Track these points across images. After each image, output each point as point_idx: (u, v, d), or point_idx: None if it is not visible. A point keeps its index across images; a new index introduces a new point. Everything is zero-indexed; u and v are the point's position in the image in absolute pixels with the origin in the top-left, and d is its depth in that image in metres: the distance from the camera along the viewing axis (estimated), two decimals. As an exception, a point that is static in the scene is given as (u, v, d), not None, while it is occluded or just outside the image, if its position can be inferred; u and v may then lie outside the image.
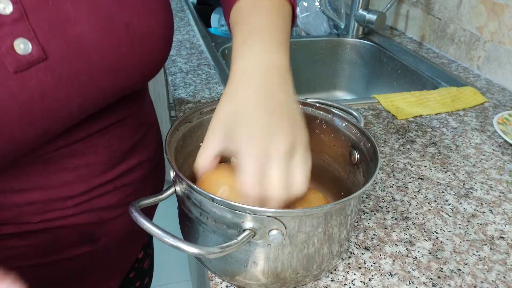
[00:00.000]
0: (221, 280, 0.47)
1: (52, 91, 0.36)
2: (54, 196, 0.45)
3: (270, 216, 0.37)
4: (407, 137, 0.75)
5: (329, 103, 0.54)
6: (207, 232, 0.42)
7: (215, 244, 0.36)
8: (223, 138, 0.39)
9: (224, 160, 0.44)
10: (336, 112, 0.52)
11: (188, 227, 0.46)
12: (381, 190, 0.62)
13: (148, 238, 0.71)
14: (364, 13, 1.18)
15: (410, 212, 0.58)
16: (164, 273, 1.75)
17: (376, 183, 0.63)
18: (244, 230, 0.38)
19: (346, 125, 0.51)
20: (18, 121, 0.35)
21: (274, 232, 0.38)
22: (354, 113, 0.54)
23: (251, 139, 0.37)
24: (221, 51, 1.10)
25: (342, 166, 0.53)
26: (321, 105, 0.53)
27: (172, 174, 0.43)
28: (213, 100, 0.82)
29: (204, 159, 0.41)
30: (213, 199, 0.38)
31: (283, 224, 0.38)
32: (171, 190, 0.42)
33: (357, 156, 0.50)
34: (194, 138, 0.52)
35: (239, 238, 0.37)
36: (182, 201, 0.44)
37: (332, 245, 0.44)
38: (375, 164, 0.45)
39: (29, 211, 0.44)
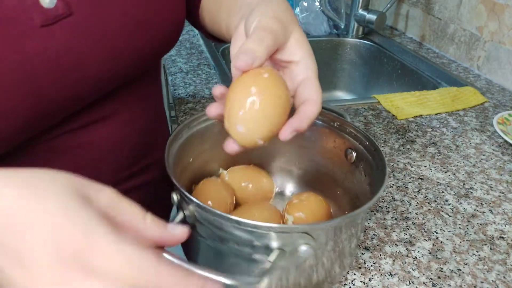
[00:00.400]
0: (221, 280, 0.47)
1: (77, 47, 0.37)
2: None
3: (299, 232, 0.35)
4: (407, 137, 0.75)
5: None
6: (229, 256, 0.39)
7: (240, 269, 0.34)
8: (281, 31, 0.36)
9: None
10: (326, 112, 0.52)
11: (200, 252, 0.43)
12: (381, 190, 0.62)
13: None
14: (364, 13, 1.18)
15: (410, 212, 0.58)
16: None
17: (376, 183, 0.63)
18: (273, 250, 0.36)
19: (338, 124, 0.51)
20: (47, 76, 0.36)
21: (303, 247, 0.36)
22: (336, 110, 0.53)
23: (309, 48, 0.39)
24: (221, 51, 1.10)
25: (337, 166, 0.53)
26: None
27: (175, 197, 0.40)
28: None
29: (266, 47, 0.34)
30: (238, 222, 0.35)
31: (312, 238, 0.36)
32: (179, 216, 0.39)
33: (354, 155, 0.50)
34: (190, 151, 0.50)
35: (271, 259, 0.35)
36: (193, 226, 0.40)
37: (345, 257, 0.43)
38: (381, 164, 0.44)
39: None
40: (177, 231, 0.29)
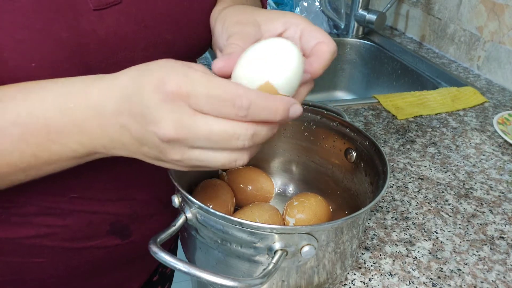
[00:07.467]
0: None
1: (123, 31, 0.41)
2: (96, 175, 0.46)
3: (303, 233, 0.36)
4: (407, 137, 0.75)
5: (310, 103, 0.54)
6: (231, 258, 0.40)
7: (242, 270, 0.33)
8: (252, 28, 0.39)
9: None
10: (325, 112, 0.52)
11: (202, 254, 0.43)
12: (381, 190, 0.62)
13: (173, 244, 0.71)
14: (364, 13, 1.18)
15: (410, 212, 0.58)
16: (164, 273, 1.75)
17: (376, 183, 0.63)
18: (275, 252, 0.36)
19: (337, 124, 0.51)
20: (97, 53, 0.40)
21: (306, 248, 0.36)
22: (334, 109, 0.53)
23: None
24: (221, 51, 1.10)
25: (336, 165, 0.53)
26: (308, 107, 0.52)
27: (176, 200, 0.40)
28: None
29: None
30: (241, 224, 0.35)
31: (315, 239, 0.37)
32: (182, 218, 0.39)
33: (354, 154, 0.50)
34: None
35: (274, 260, 0.35)
36: (195, 229, 0.40)
37: (346, 258, 0.43)
38: (382, 163, 0.44)
39: (73, 184, 0.45)
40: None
